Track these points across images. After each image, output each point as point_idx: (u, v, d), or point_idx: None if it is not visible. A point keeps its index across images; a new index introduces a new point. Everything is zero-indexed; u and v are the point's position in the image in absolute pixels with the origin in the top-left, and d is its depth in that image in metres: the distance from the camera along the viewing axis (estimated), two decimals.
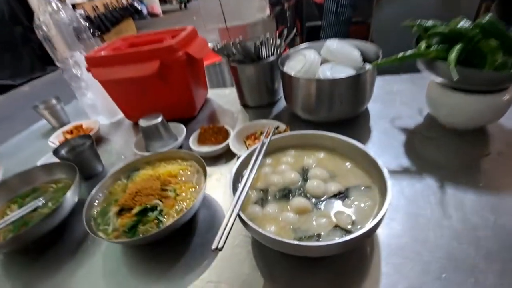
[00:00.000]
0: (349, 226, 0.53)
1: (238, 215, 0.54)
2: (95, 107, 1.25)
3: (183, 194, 0.69)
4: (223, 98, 1.35)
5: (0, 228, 0.69)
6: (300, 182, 0.64)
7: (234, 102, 1.29)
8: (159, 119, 0.96)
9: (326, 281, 0.54)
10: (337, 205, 0.58)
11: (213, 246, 0.48)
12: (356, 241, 0.47)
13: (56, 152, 0.92)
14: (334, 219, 0.55)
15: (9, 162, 1.16)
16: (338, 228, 0.53)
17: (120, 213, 0.65)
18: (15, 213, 0.74)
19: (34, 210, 0.77)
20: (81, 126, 1.21)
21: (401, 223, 0.62)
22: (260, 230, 0.50)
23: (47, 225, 0.69)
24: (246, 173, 0.63)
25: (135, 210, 0.63)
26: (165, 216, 0.64)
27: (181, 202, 0.67)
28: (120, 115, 1.33)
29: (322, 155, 0.72)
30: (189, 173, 0.77)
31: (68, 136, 1.15)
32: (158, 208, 0.64)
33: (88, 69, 1.05)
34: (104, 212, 0.68)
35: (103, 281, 0.61)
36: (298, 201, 0.59)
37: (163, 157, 0.84)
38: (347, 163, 0.68)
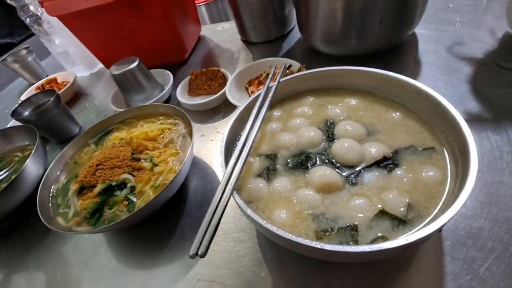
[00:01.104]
0: (403, 212, 0.34)
1: (233, 197, 0.36)
2: (68, 56, 1.04)
3: (163, 164, 0.51)
4: (221, 35, 1.07)
5: None
6: (323, 144, 0.44)
7: (233, 39, 1.02)
8: (135, 64, 0.75)
9: (357, 284, 0.38)
10: (382, 177, 0.38)
11: (191, 252, 0.31)
12: (419, 241, 0.28)
13: (16, 113, 0.75)
14: (377, 201, 0.35)
15: None
16: (385, 215, 0.34)
17: (81, 191, 0.49)
18: None
19: None
20: (55, 80, 1.02)
21: (473, 198, 0.42)
22: (263, 222, 0.32)
23: (7, 203, 0.56)
24: (244, 132, 0.44)
25: (97, 189, 0.46)
26: (138, 195, 0.47)
27: (159, 176, 0.49)
28: (100, 64, 1.12)
29: (355, 102, 0.50)
30: (173, 134, 0.58)
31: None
32: (129, 185, 0.47)
33: (40, 2, 0.80)
34: (66, 190, 0.52)
35: (77, 270, 0.49)
36: (321, 172, 0.39)
37: (142, 113, 0.65)
38: (394, 113, 0.46)
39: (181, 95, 0.76)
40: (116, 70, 0.75)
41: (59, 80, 1.02)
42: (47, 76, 1.20)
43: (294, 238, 0.30)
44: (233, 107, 0.73)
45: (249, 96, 0.70)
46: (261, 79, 0.69)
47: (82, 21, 0.86)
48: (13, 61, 1.10)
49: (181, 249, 0.47)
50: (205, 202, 0.53)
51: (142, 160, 0.51)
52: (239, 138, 0.47)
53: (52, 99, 0.73)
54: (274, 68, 0.58)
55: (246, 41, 0.98)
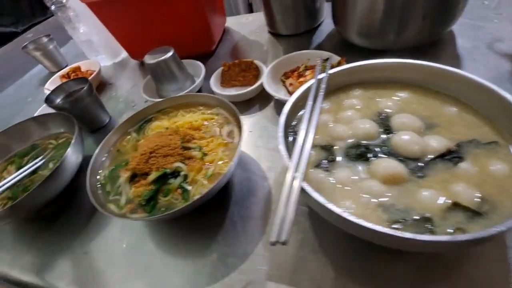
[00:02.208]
0: (477, 204, 0.34)
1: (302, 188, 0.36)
2: (92, 44, 1.03)
3: (212, 153, 0.51)
4: (246, 27, 1.07)
5: None
6: (380, 136, 0.44)
7: (260, 31, 1.01)
8: (170, 54, 0.74)
9: (424, 275, 0.39)
10: (448, 170, 0.38)
11: (272, 239, 0.31)
12: (502, 232, 0.29)
13: (49, 100, 0.74)
14: (447, 193, 0.36)
15: (4, 114, 1.02)
16: (458, 207, 0.34)
17: (132, 179, 0.49)
18: (12, 177, 0.61)
19: (34, 172, 0.64)
20: (78, 69, 1.01)
21: None
22: (340, 211, 0.33)
23: (48, 191, 0.56)
24: (302, 124, 0.44)
25: (151, 177, 0.46)
26: (191, 184, 0.47)
27: (210, 164, 0.49)
28: (124, 53, 1.11)
29: (406, 95, 0.50)
30: (216, 124, 0.58)
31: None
32: (182, 173, 0.47)
33: None
34: (113, 177, 0.52)
35: (123, 258, 0.50)
36: (386, 164, 0.39)
37: (181, 103, 0.64)
38: (450, 107, 0.46)
39: (215, 86, 0.76)
40: (150, 59, 0.74)
41: (82, 69, 1.01)
42: (66, 65, 1.19)
43: (382, 229, 0.30)
44: (268, 99, 0.73)
45: (287, 89, 0.70)
46: (300, 71, 0.69)
47: (111, 8, 0.85)
48: (34, 49, 1.09)
49: (235, 238, 0.47)
50: (252, 193, 0.53)
51: (191, 149, 0.51)
52: (292, 130, 0.48)
53: (85, 87, 0.72)
54: (320, 61, 0.57)
55: (274, 34, 0.97)
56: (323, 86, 0.50)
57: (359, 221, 0.32)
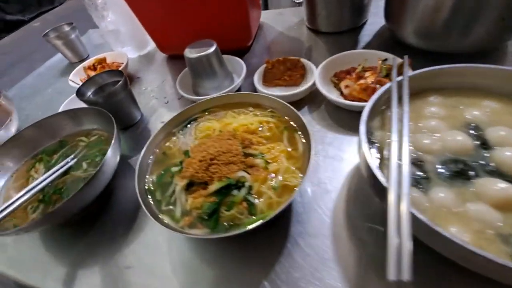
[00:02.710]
0: None
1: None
2: (118, 35, 0.97)
3: (275, 161, 0.46)
4: (283, 22, 1.00)
5: (28, 199, 0.51)
6: (477, 151, 0.39)
7: (298, 27, 0.96)
8: (212, 48, 0.68)
9: None
10: None
11: (391, 276, 0.26)
12: None
13: (80, 93, 0.69)
14: None
15: (25, 106, 0.96)
16: None
17: (188, 188, 0.44)
18: (43, 178, 0.55)
19: (66, 172, 0.59)
20: (104, 60, 0.95)
21: None
22: (463, 242, 0.27)
23: (88, 195, 0.51)
24: (392, 135, 0.38)
25: (213, 187, 0.41)
26: (256, 196, 0.42)
27: (275, 174, 0.44)
28: (150, 46, 1.05)
29: (495, 105, 0.44)
30: (273, 127, 0.52)
31: (92, 73, 0.91)
32: (246, 184, 0.42)
33: None
34: (163, 184, 0.47)
35: (170, 275, 0.44)
36: (496, 186, 0.34)
37: (228, 103, 0.59)
38: None
39: (259, 85, 0.70)
40: (191, 53, 0.68)
41: (108, 61, 0.96)
42: (88, 55, 1.13)
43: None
44: (317, 101, 0.67)
45: (341, 92, 0.64)
46: (358, 72, 0.63)
47: None
48: (55, 37, 1.03)
49: (301, 260, 0.42)
50: (314, 206, 0.48)
51: (254, 156, 0.46)
52: (374, 141, 0.42)
53: (121, 81, 0.67)
54: (394, 61, 0.52)
55: (314, 30, 0.91)
56: (406, 90, 0.44)
57: (491, 256, 0.26)
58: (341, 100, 0.59)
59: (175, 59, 0.98)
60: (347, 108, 0.61)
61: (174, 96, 0.81)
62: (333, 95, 0.62)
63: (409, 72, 0.47)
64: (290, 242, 0.44)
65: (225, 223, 0.40)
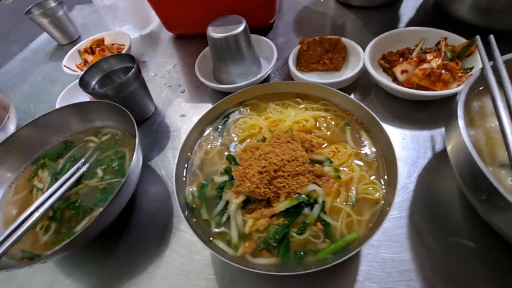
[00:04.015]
0: None
1: None
2: (116, 11, 0.83)
3: (344, 167, 0.38)
4: None
5: (38, 219, 0.41)
6: None
7: (324, 1, 0.84)
8: (241, 27, 0.57)
9: None
10: None
11: None
12: None
13: (83, 83, 0.57)
14: None
15: (13, 98, 0.82)
16: None
17: (244, 205, 0.35)
18: (52, 190, 0.45)
19: (78, 181, 0.49)
20: (102, 42, 0.82)
21: None
22: None
23: (112, 213, 0.42)
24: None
25: (281, 206, 0.33)
26: (331, 214, 0.34)
27: (347, 185, 0.36)
28: (153, 24, 0.91)
29: None
30: (331, 124, 0.44)
31: (89, 57, 0.78)
32: (319, 200, 0.34)
33: None
34: (208, 198, 0.39)
35: None
36: None
37: (265, 94, 0.50)
38: None
39: (298, 71, 0.60)
40: (216, 32, 0.57)
41: (106, 41, 0.82)
42: (79, 36, 0.99)
43: None
44: (365, 88, 0.59)
45: (390, 76, 0.56)
46: (417, 55, 0.54)
47: None
48: (41, 15, 0.88)
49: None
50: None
51: (321, 162, 0.37)
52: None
53: (133, 69, 0.55)
54: (479, 43, 0.43)
55: (344, 4, 0.80)
56: (505, 75, 0.36)
57: None
58: (406, 89, 0.50)
59: (184, 39, 0.85)
60: (408, 98, 0.52)
61: (190, 83, 0.71)
62: (385, 81, 0.53)
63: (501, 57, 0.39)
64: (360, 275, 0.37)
65: (298, 251, 0.32)
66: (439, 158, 0.46)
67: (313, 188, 0.34)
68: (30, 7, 0.90)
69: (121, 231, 0.47)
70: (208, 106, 0.63)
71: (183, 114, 0.64)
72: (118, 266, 0.44)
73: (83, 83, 0.57)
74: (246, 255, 0.33)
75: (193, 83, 0.70)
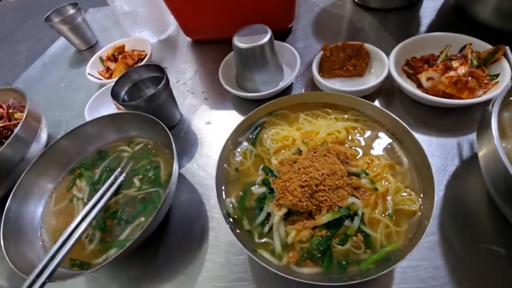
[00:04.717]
0: None
1: None
2: (136, 18, 0.84)
3: (379, 178, 0.40)
4: None
5: (85, 230, 0.43)
6: None
7: (341, 2, 0.84)
8: (267, 37, 0.58)
9: None
10: None
11: None
12: None
13: (114, 93, 0.59)
14: None
15: (38, 101, 0.85)
16: None
17: (286, 217, 0.37)
18: (95, 200, 0.47)
19: (117, 190, 0.51)
20: (123, 48, 0.83)
21: None
22: None
23: (155, 223, 0.44)
24: None
25: (324, 218, 0.35)
26: (370, 225, 0.36)
27: (386, 196, 0.38)
28: (170, 29, 0.92)
29: None
30: (368, 135, 0.45)
31: (112, 65, 0.79)
32: (359, 212, 0.36)
33: None
34: (248, 209, 0.41)
35: None
36: None
37: (293, 104, 0.51)
38: None
39: (322, 78, 0.61)
40: (241, 41, 0.58)
41: (127, 48, 0.84)
42: (96, 41, 1.00)
43: None
44: (389, 94, 0.60)
45: (414, 82, 0.57)
46: (442, 61, 0.54)
47: None
48: (60, 22, 0.89)
49: None
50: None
51: (358, 175, 0.39)
52: None
53: (164, 80, 0.57)
54: (508, 53, 0.44)
55: (363, 6, 0.80)
56: None
57: None
58: (434, 98, 0.51)
59: (202, 44, 0.86)
60: (435, 105, 0.53)
61: (213, 90, 0.72)
62: (412, 89, 0.54)
63: None
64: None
65: (340, 260, 0.34)
66: (467, 165, 0.48)
67: (353, 201, 0.36)
68: (48, 14, 0.91)
69: (160, 237, 0.50)
70: (233, 113, 0.66)
71: (208, 122, 0.66)
72: (160, 271, 0.46)
73: (114, 94, 0.59)
74: (291, 264, 0.35)
75: (215, 90, 0.72)
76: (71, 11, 0.92)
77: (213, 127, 0.64)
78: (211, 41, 0.85)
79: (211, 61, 0.80)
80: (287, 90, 0.65)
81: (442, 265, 0.39)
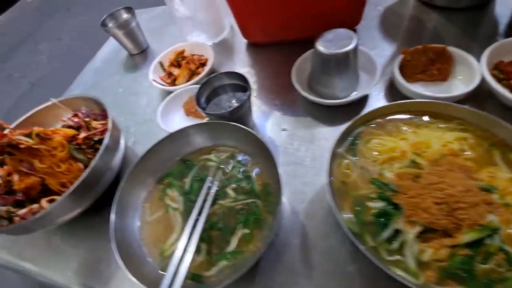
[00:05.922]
0: None
1: None
2: (195, 22, 0.83)
3: (505, 193, 0.39)
4: None
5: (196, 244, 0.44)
6: None
7: (404, 1, 0.82)
8: (354, 43, 0.57)
9: None
10: None
11: None
12: None
13: (198, 101, 0.59)
14: None
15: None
16: None
17: (420, 234, 0.37)
18: (196, 212, 0.48)
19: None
20: (183, 53, 0.83)
21: None
22: None
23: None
24: None
25: (466, 237, 0.34)
26: (506, 242, 0.35)
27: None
28: (226, 31, 0.91)
29: None
30: (474, 146, 0.44)
31: (175, 71, 0.79)
32: (499, 231, 0.35)
33: None
34: (368, 224, 0.40)
35: None
36: None
37: (400, 110, 0.50)
38: None
39: (407, 83, 0.59)
40: (325, 47, 0.57)
41: (186, 53, 0.83)
42: (147, 46, 1.00)
43: None
44: (478, 100, 0.58)
45: (506, 87, 0.54)
46: None
47: None
48: (116, 27, 0.89)
49: None
50: None
51: (489, 191, 0.38)
52: None
53: (248, 91, 0.57)
54: None
55: (429, 4, 0.78)
56: None
57: None
58: None
59: (257, 47, 0.85)
60: None
61: (280, 95, 0.71)
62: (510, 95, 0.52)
63: None
64: None
65: (483, 280, 0.34)
66: None
67: (492, 219, 0.35)
68: (103, 18, 0.92)
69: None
70: (308, 120, 0.66)
71: (284, 128, 0.65)
72: (267, 283, 0.47)
73: (198, 102, 0.59)
74: (431, 284, 0.35)
75: (283, 94, 0.71)
76: (125, 15, 0.92)
77: (291, 134, 0.63)
78: (267, 44, 0.84)
79: (271, 64, 0.79)
80: (364, 96, 0.64)
81: None
